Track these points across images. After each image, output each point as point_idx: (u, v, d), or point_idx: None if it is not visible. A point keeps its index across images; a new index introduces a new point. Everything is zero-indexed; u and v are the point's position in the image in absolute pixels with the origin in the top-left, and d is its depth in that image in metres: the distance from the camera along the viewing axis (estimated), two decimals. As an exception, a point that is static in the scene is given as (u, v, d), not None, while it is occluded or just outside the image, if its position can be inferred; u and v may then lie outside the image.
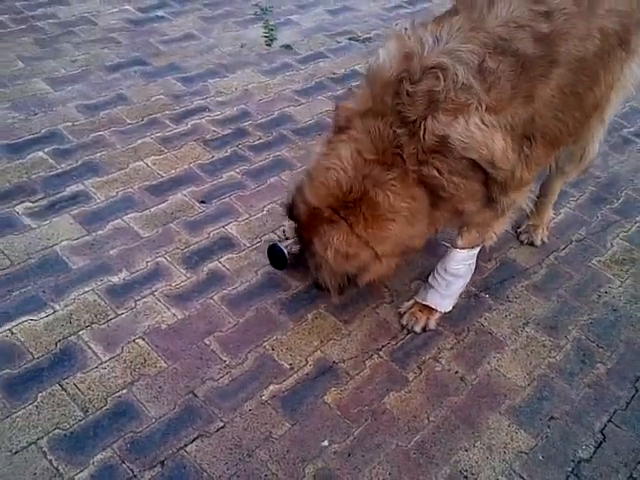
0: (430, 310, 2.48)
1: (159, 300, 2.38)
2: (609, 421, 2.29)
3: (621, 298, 2.79)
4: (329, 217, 2.07)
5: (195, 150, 3.11)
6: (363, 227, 2.03)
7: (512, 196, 2.18)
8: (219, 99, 3.48)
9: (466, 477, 2.04)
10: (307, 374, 2.24)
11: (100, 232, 2.60)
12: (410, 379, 2.30)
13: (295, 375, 2.23)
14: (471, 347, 2.46)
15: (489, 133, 1.88)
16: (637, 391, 2.41)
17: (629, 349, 2.57)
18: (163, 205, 2.78)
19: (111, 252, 2.53)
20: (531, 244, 2.96)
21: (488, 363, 2.41)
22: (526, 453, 2.14)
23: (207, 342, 2.28)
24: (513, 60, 1.89)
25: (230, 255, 2.62)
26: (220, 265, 2.57)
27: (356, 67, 4.01)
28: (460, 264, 2.43)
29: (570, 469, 2.12)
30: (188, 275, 2.50)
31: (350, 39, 4.30)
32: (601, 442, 2.22)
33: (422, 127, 1.87)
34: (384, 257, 2.14)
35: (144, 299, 2.38)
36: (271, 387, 2.18)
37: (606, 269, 2.92)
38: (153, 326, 2.29)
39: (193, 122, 3.28)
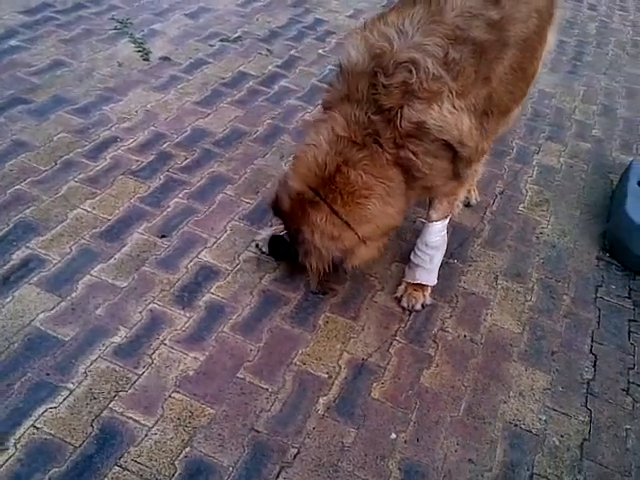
0: (423, 287, 2.64)
1: (173, 348, 2.26)
2: (592, 341, 2.64)
3: (554, 235, 3.18)
4: (312, 199, 2.19)
5: (128, 184, 2.92)
6: (341, 205, 2.16)
7: (474, 167, 2.42)
8: (124, 125, 3.28)
9: (516, 425, 2.26)
10: (345, 378, 2.29)
11: (74, 294, 2.37)
12: (432, 354, 2.45)
13: (336, 382, 2.27)
14: (465, 310, 2.67)
15: (459, 116, 2.09)
16: (599, 310, 2.79)
17: (578, 275, 2.96)
18: (125, 249, 2.60)
19: (97, 312, 2.33)
20: (467, 205, 3.23)
21: (485, 320, 2.64)
22: (549, 389, 2.40)
23: (241, 376, 2.22)
24: (472, 47, 2.09)
25: (218, 283, 2.55)
26: (213, 296, 2.49)
27: (241, 69, 3.98)
28: (437, 236, 2.62)
29: (584, 391, 2.43)
30: (187, 315, 2.39)
31: (222, 41, 4.24)
32: (595, 361, 2.56)
33: (399, 115, 2.04)
34: (368, 240, 2.27)
35: (157, 351, 2.24)
36: (321, 400, 2.20)
37: (531, 213, 3.30)
38: (181, 376, 2.18)
39: (111, 155, 3.06)
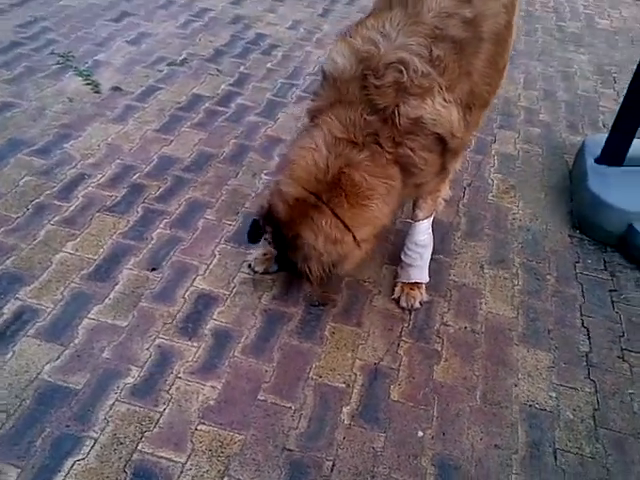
0: (418, 285, 2.73)
1: (188, 380, 2.26)
2: (582, 315, 2.79)
3: (526, 219, 3.33)
4: (313, 203, 2.19)
5: (106, 221, 2.88)
6: (347, 208, 2.19)
7: (457, 159, 2.53)
8: (89, 161, 3.23)
9: (530, 405, 2.36)
10: (363, 384, 2.35)
11: (76, 340, 2.33)
12: (439, 349, 2.53)
13: (355, 390, 2.32)
14: (460, 302, 2.77)
15: (449, 109, 2.19)
16: (582, 285, 2.95)
17: (556, 255, 3.11)
18: (118, 287, 2.57)
19: (104, 355, 2.29)
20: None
21: (480, 309, 2.74)
22: (553, 366, 2.53)
23: (262, 398, 2.24)
24: (452, 44, 2.19)
25: (218, 309, 2.55)
26: (217, 322, 2.49)
27: (194, 91, 3.98)
28: (425, 234, 2.72)
29: (584, 363, 2.57)
30: (196, 344, 2.39)
31: (169, 65, 4.22)
32: (589, 334, 2.71)
33: (396, 112, 2.11)
34: (362, 242, 2.30)
35: (174, 386, 2.23)
36: (344, 410, 2.24)
37: (501, 200, 3.44)
38: (203, 407, 2.17)
39: (82, 194, 3.01)
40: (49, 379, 2.19)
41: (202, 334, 2.43)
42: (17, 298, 2.46)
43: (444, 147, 2.26)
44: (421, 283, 2.74)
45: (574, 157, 3.79)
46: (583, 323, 2.76)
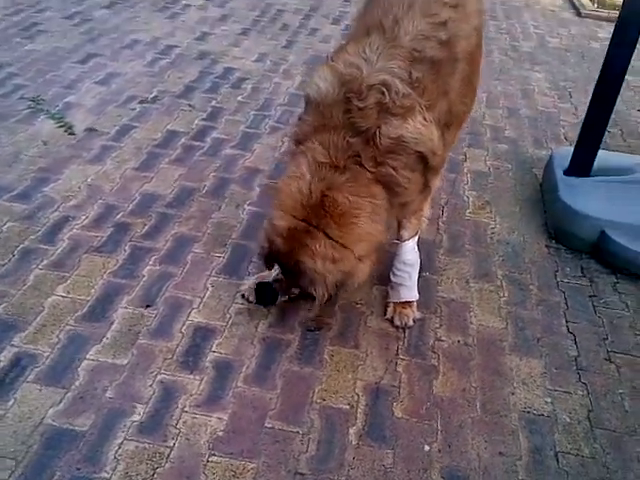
0: (409, 303, 2.81)
1: (195, 414, 2.28)
2: (567, 322, 2.91)
3: (504, 233, 3.47)
4: (304, 230, 2.28)
5: (95, 262, 2.90)
6: (335, 228, 2.27)
7: (437, 177, 2.65)
8: (71, 204, 3.25)
9: (529, 412, 2.45)
10: (366, 404, 2.41)
11: (77, 382, 2.34)
12: (436, 364, 2.61)
13: (359, 410, 2.38)
14: (451, 317, 2.86)
15: (430, 127, 2.30)
16: (564, 292, 3.08)
17: (536, 265, 3.24)
18: (114, 326, 2.59)
19: (107, 395, 2.31)
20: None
21: (471, 323, 2.84)
22: (545, 373, 2.63)
23: (269, 425, 2.28)
24: (429, 65, 2.31)
25: (217, 341, 2.59)
26: (217, 354, 2.53)
27: (169, 127, 4.05)
28: (411, 253, 2.81)
29: (574, 367, 2.68)
30: (198, 378, 2.42)
31: (141, 103, 4.28)
32: (575, 339, 2.83)
33: (377, 133, 2.21)
34: (363, 257, 2.38)
35: (181, 420, 2.25)
36: (351, 430, 2.30)
37: (478, 216, 3.58)
38: (212, 439, 2.20)
39: (67, 236, 3.03)
40: (54, 423, 2.19)
41: (203, 367, 2.47)
42: (12, 345, 2.45)
43: (425, 165, 2.37)
44: (412, 301, 2.82)
45: (543, 170, 3.97)
46: (569, 329, 2.87)
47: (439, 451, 2.26)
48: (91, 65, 4.74)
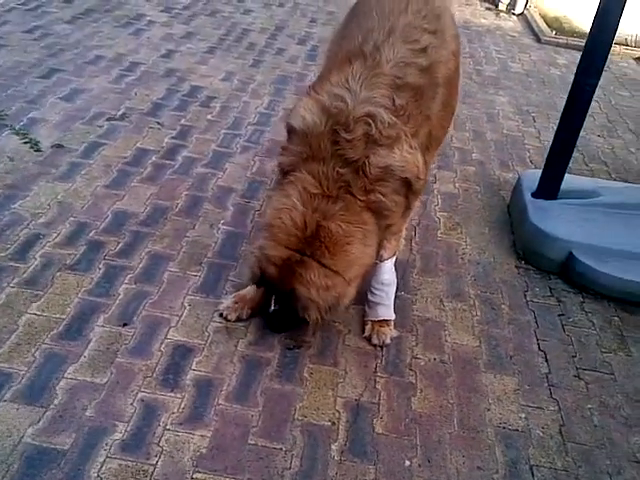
0: (386, 322, 2.95)
1: (177, 431, 2.36)
2: (537, 340, 3.10)
3: (474, 253, 3.66)
4: (298, 260, 2.43)
5: (68, 280, 2.96)
6: (329, 257, 2.42)
7: (418, 199, 2.81)
8: (41, 221, 3.29)
9: (504, 427, 2.61)
10: (347, 421, 2.52)
11: (56, 401, 2.39)
12: (414, 381, 2.75)
13: (340, 427, 2.49)
14: (427, 336, 3.01)
15: (415, 154, 2.47)
16: (534, 312, 3.27)
17: (506, 285, 3.43)
18: (92, 345, 2.65)
19: (87, 414, 2.36)
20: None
21: (446, 341, 2.99)
22: (519, 389, 2.80)
23: (252, 442, 2.37)
24: (411, 92, 2.48)
25: (196, 359, 2.67)
26: (197, 372, 2.61)
27: (138, 145, 4.13)
28: (388, 273, 2.96)
29: (546, 384, 2.86)
30: (179, 396, 2.50)
31: (108, 120, 4.35)
32: (546, 356, 3.01)
33: (366, 163, 2.37)
34: (352, 281, 2.54)
35: (163, 438, 2.32)
36: (333, 446, 2.41)
37: (449, 237, 3.76)
38: (195, 456, 2.28)
39: (39, 254, 3.07)
40: (34, 442, 2.23)
41: (184, 385, 2.54)
42: (-13, 362, 2.48)
43: (408, 189, 2.53)
44: (389, 320, 2.96)
45: (511, 193, 4.19)
46: (539, 347, 3.06)
47: (419, 466, 2.39)
48: (54, 80, 4.79)
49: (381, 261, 2.91)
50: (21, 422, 2.29)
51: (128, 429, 2.33)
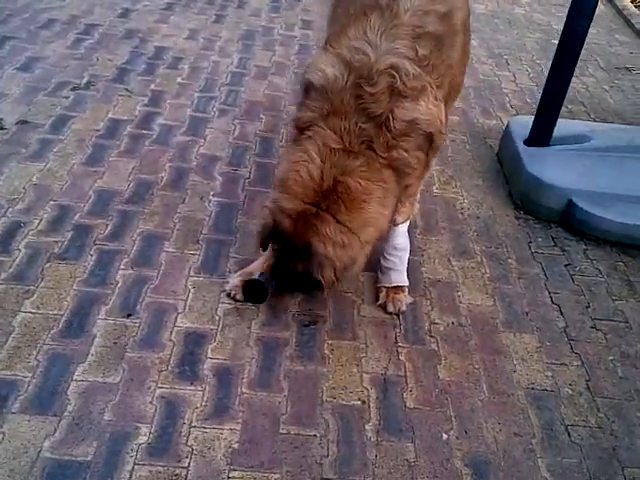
0: (400, 288, 2.80)
1: (204, 428, 2.18)
2: (550, 293, 3.00)
3: (473, 207, 3.54)
4: (314, 213, 2.27)
5: (60, 271, 2.69)
6: (345, 213, 2.27)
7: (435, 156, 2.63)
8: (19, 207, 3.00)
9: (533, 388, 2.51)
10: (377, 397, 2.38)
11: (70, 407, 2.17)
12: (436, 349, 2.62)
13: (371, 404, 2.35)
14: (440, 299, 2.88)
15: (439, 107, 2.32)
16: (541, 264, 3.17)
17: (509, 238, 3.31)
18: (97, 341, 2.42)
19: (106, 418, 2.16)
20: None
21: (460, 302, 2.87)
22: (540, 347, 2.70)
23: (284, 431, 2.21)
24: (433, 41, 2.29)
25: (211, 346, 2.48)
26: (214, 360, 2.42)
27: (110, 116, 3.80)
28: (402, 238, 2.80)
29: (566, 339, 2.77)
30: (199, 388, 2.31)
31: (73, 90, 3.99)
32: (560, 309, 2.92)
33: (390, 117, 2.21)
34: (367, 244, 2.39)
35: (191, 436, 2.14)
36: (367, 427, 2.27)
37: (446, 192, 3.62)
38: (228, 453, 2.11)
39: (23, 244, 2.79)
40: (53, 455, 2.02)
41: (203, 376, 2.35)
42: (-13, 368, 2.24)
43: (430, 145, 2.36)
44: (403, 286, 2.81)
45: (500, 141, 4.04)
46: (552, 300, 2.96)
47: (457, 438, 2.28)
48: (8, 49, 4.37)
49: (395, 225, 2.74)
50: (36, 435, 2.07)
51: (152, 431, 2.14)
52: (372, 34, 2.22)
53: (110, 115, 3.79)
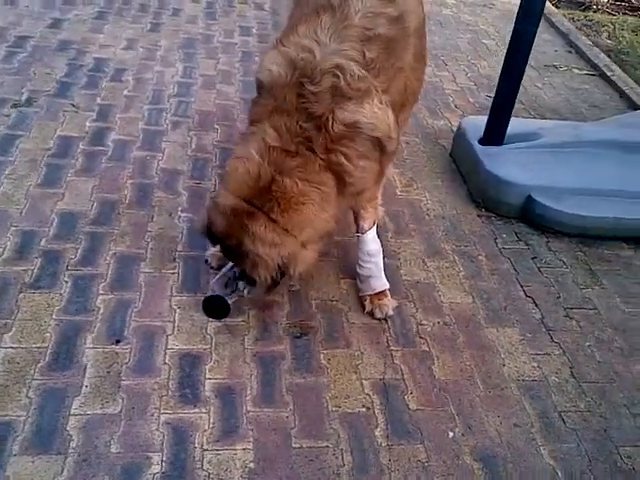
0: (383, 293, 2.86)
1: (217, 450, 2.17)
2: (522, 287, 3.15)
3: (437, 208, 3.65)
4: (247, 211, 2.28)
5: (35, 300, 2.60)
6: (279, 213, 2.28)
7: (391, 162, 2.70)
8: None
9: (523, 380, 2.64)
10: (381, 403, 2.44)
11: (74, 444, 2.10)
12: (427, 349, 2.70)
13: (376, 410, 2.40)
14: (422, 300, 2.97)
15: (385, 111, 2.33)
16: (509, 259, 3.32)
17: (476, 235, 3.45)
18: (90, 371, 2.35)
19: (113, 451, 2.10)
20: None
21: (442, 302, 2.97)
22: (523, 339, 2.84)
23: (296, 445, 2.23)
24: (382, 44, 2.33)
25: (207, 366, 2.46)
26: (213, 381, 2.41)
27: (59, 133, 3.67)
28: (373, 243, 2.86)
29: (544, 329, 2.92)
30: (204, 410, 2.29)
31: (14, 107, 3.83)
32: (535, 301, 3.07)
33: (330, 119, 2.22)
34: (308, 244, 2.40)
35: (205, 460, 2.13)
36: (376, 432, 2.32)
37: (409, 194, 3.72)
38: (245, 473, 2.11)
39: (-10, 274, 2.67)
40: (65, 494, 1.96)
41: (205, 397, 2.33)
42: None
43: (381, 151, 2.39)
44: (385, 290, 2.87)
45: (453, 141, 4.18)
46: (526, 293, 3.11)
47: (462, 435, 2.37)
48: None
49: (362, 233, 2.80)
50: (43, 477, 2.00)
51: (164, 459, 2.10)
52: (322, 34, 2.24)
53: (59, 132, 3.67)
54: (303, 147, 2.25)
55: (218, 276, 2.68)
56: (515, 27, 3.55)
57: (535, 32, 3.54)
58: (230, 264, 2.61)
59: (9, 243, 2.85)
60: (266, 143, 2.25)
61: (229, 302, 2.62)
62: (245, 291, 2.58)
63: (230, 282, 2.63)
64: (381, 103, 2.29)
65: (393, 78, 2.38)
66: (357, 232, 2.85)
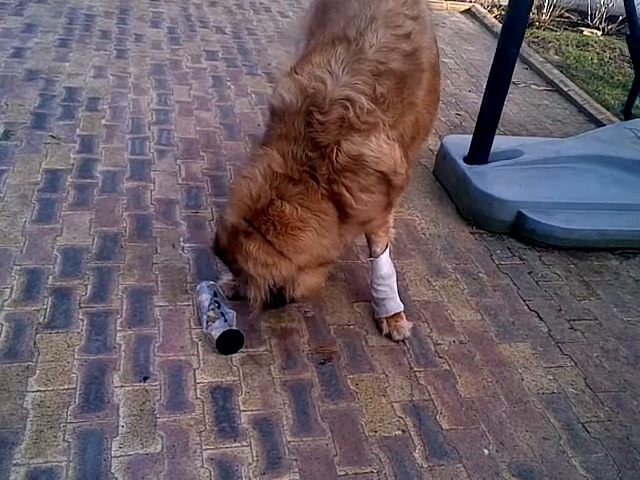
0: (399, 315, 2.96)
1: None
2: (524, 301, 3.31)
3: (431, 227, 3.79)
4: (245, 230, 2.39)
5: (55, 341, 2.57)
6: (274, 235, 2.38)
7: (401, 195, 2.80)
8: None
9: (543, 393, 2.78)
10: (414, 425, 2.52)
11: (120, 487, 2.10)
12: (449, 368, 2.81)
13: (412, 432, 2.48)
14: (434, 319, 3.08)
15: (393, 146, 2.42)
16: (508, 274, 3.48)
17: (473, 253, 3.60)
18: (123, 410, 2.34)
19: (162, 491, 2.11)
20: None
21: (453, 321, 3.09)
22: (535, 354, 2.98)
23: (342, 473, 2.28)
24: (394, 79, 2.43)
25: (240, 398, 2.49)
26: (248, 412, 2.43)
27: (45, 166, 3.64)
28: (386, 266, 2.96)
29: (553, 342, 3.07)
30: (245, 443, 2.32)
31: (-8, 140, 3.77)
32: (539, 315, 3.23)
33: (335, 149, 2.31)
34: (307, 269, 2.48)
35: (256, 494, 2.15)
36: (416, 454, 2.40)
37: (402, 214, 3.83)
38: (297, 503, 2.15)
39: (4, 315, 2.62)
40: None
41: (243, 430, 2.36)
42: (16, 464, 2.10)
43: (389, 184, 2.47)
44: (400, 312, 2.97)
45: (435, 160, 4.35)
46: (529, 307, 3.27)
47: (497, 451, 2.47)
48: None
49: (375, 257, 2.90)
50: (96, 523, 1.98)
51: (199, 494, 2.12)
52: (335, 65, 2.34)
53: (44, 165, 3.63)
54: (307, 175, 2.34)
55: (204, 324, 2.71)
56: (498, 48, 3.75)
57: (517, 54, 3.75)
58: (204, 303, 2.73)
59: (15, 283, 2.80)
60: (271, 168, 2.35)
61: (240, 331, 2.66)
62: (230, 315, 2.70)
63: (217, 314, 2.69)
64: (388, 138, 2.37)
65: (403, 113, 2.46)
66: (370, 256, 2.94)
